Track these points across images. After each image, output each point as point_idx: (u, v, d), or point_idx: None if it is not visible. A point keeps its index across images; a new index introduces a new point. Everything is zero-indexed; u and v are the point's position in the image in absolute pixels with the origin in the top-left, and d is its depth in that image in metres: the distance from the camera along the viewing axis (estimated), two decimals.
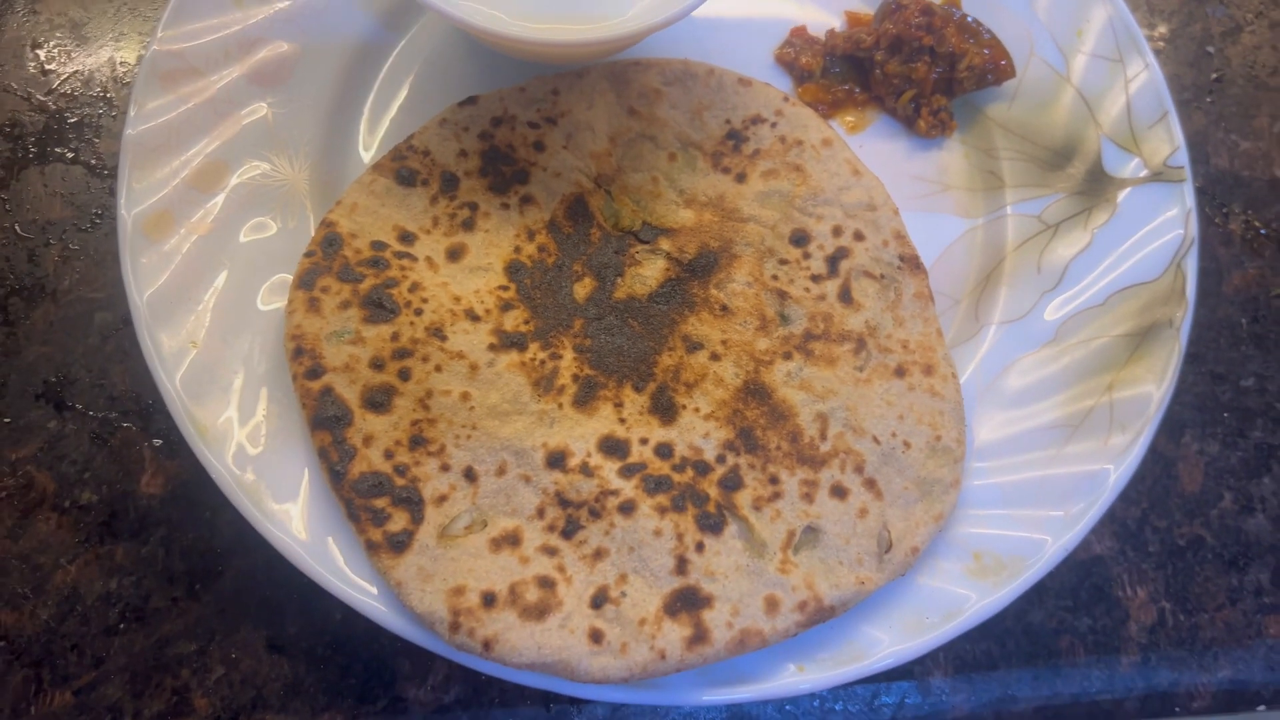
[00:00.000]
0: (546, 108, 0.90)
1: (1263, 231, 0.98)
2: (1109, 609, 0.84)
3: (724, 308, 0.83)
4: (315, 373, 0.78)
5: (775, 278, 0.85)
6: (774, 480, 0.77)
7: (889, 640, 0.74)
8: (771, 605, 0.73)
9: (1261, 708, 0.84)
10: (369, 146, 0.92)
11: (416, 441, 0.76)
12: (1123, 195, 0.90)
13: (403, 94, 0.95)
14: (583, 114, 0.90)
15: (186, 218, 0.83)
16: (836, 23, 1.00)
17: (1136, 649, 0.84)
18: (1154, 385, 0.82)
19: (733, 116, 0.91)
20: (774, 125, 0.90)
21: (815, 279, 0.85)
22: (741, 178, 0.88)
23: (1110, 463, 0.79)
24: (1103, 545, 0.86)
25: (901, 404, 0.80)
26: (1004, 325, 0.88)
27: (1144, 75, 0.93)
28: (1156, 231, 0.88)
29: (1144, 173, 0.90)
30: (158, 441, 0.85)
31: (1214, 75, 1.04)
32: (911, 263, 0.86)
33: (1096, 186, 0.91)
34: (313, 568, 0.73)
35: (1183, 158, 0.89)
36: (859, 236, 0.86)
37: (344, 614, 0.80)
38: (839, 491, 0.77)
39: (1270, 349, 0.94)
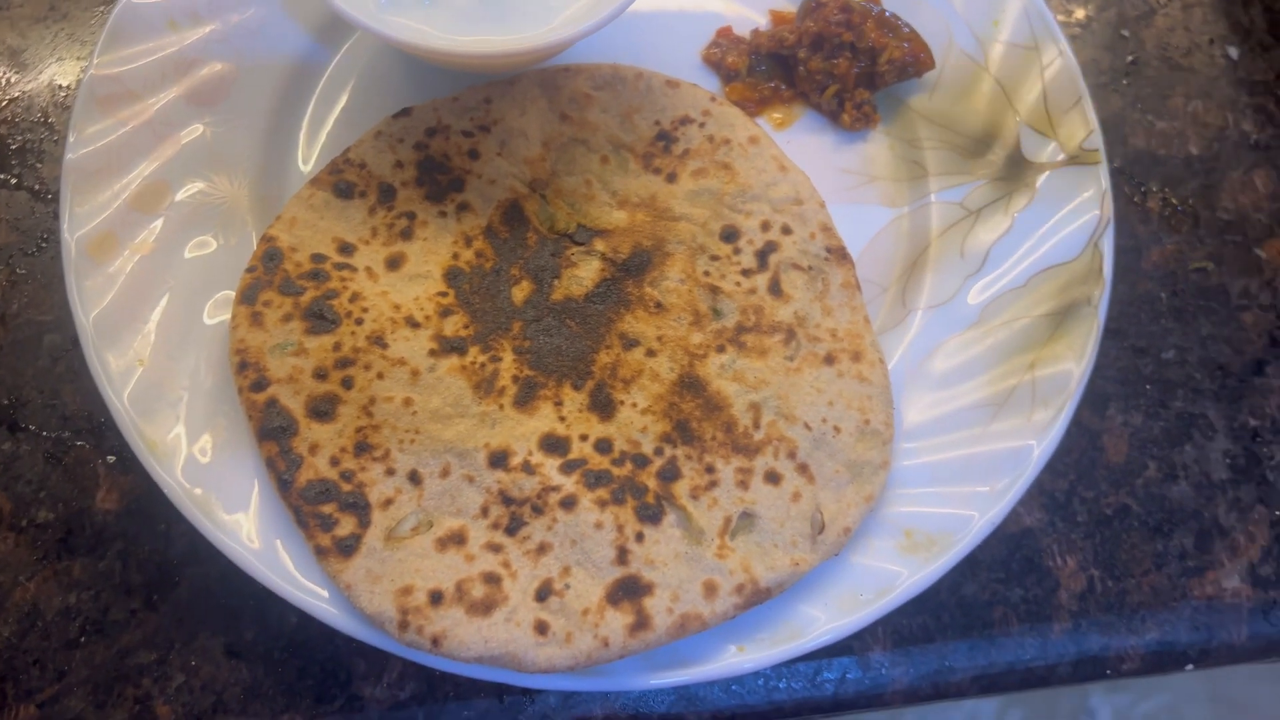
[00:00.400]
0: (480, 116, 0.92)
1: (1179, 208, 1.02)
2: (1040, 579, 0.88)
3: (658, 305, 0.86)
4: (260, 385, 0.80)
5: (707, 274, 0.88)
6: (710, 469, 0.80)
7: (825, 618, 0.77)
8: (710, 590, 0.75)
9: (1189, 667, 0.88)
10: (308, 161, 0.95)
11: (361, 448, 0.79)
12: (1041, 179, 0.93)
13: (339, 108, 0.97)
14: (516, 121, 0.92)
15: (129, 239, 0.85)
16: (762, 21, 1.03)
17: (1068, 616, 0.87)
18: (1074, 362, 0.85)
19: (662, 118, 0.93)
20: (702, 125, 0.93)
21: (746, 273, 0.88)
22: (672, 177, 0.91)
23: (1033, 438, 0.82)
24: (1032, 517, 0.89)
25: (831, 390, 0.83)
26: (930, 310, 0.91)
27: (1058, 62, 0.96)
28: (1074, 213, 0.91)
29: (1061, 156, 0.93)
30: (111, 458, 0.87)
31: (1129, 58, 1.08)
32: (838, 254, 0.89)
33: (1016, 171, 0.94)
34: (265, 575, 0.75)
35: (1097, 140, 0.92)
36: (787, 230, 0.89)
37: (299, 618, 0.83)
38: (773, 477, 0.80)
39: (1189, 321, 0.97)
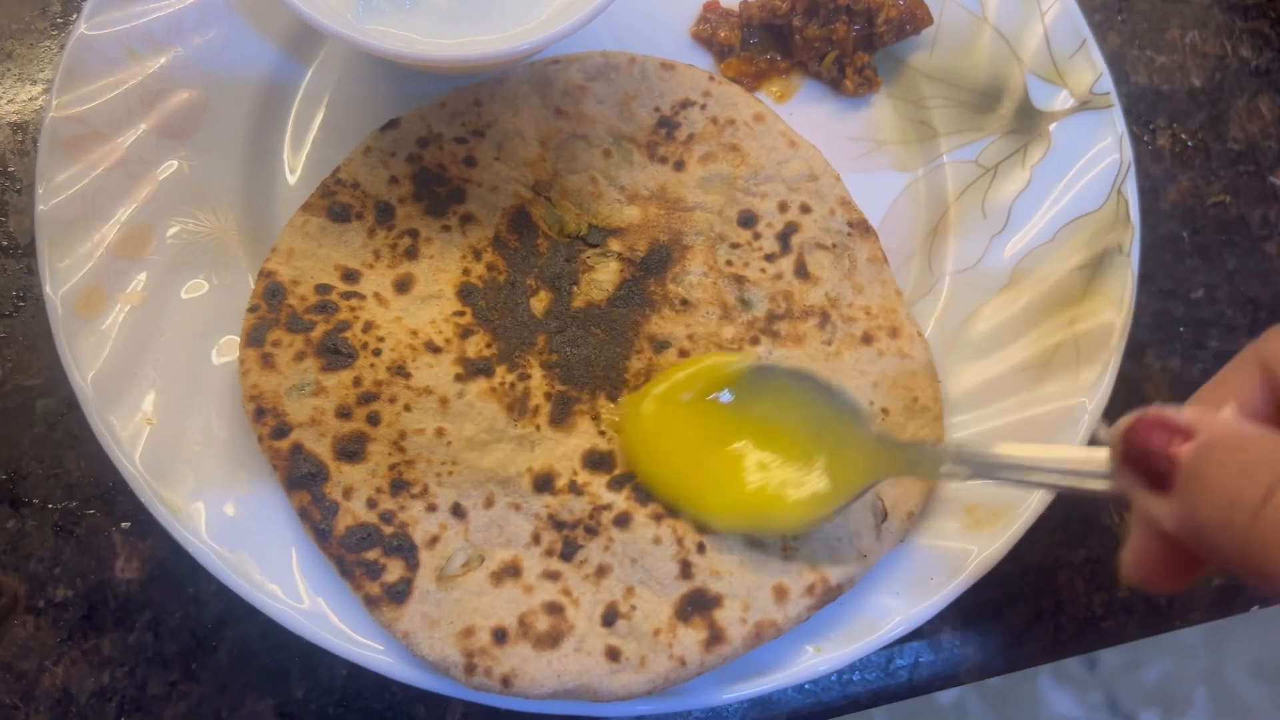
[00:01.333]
0: (472, 120, 0.88)
1: (1189, 143, 1.00)
2: (1100, 537, 0.86)
3: (684, 301, 0.82)
4: (281, 431, 0.75)
5: (730, 263, 0.84)
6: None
7: (899, 607, 0.75)
8: (780, 594, 0.73)
9: (1255, 607, 0.87)
10: (294, 184, 0.89)
11: (398, 486, 0.75)
12: (1054, 128, 0.90)
13: (319, 123, 0.92)
14: (509, 121, 0.88)
15: (118, 290, 0.80)
16: None
17: None
18: (1114, 313, 0.83)
19: (661, 104, 0.89)
20: (704, 107, 0.89)
21: (769, 258, 0.84)
22: (680, 165, 0.87)
23: (1084, 396, 0.80)
24: None
25: (874, 371, 0.81)
26: (959, 275, 0.88)
27: (1057, 5, 0.93)
28: (1093, 160, 0.88)
29: (1071, 103, 0.91)
30: (126, 524, 0.82)
31: None
32: (861, 227, 0.86)
33: (1028, 123, 0.91)
34: (315, 632, 0.72)
35: (1107, 83, 0.90)
36: (805, 209, 0.86)
37: (350, 669, 0.79)
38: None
39: (1214, 258, 0.96)
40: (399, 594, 0.71)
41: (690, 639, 0.71)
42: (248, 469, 0.76)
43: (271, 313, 0.79)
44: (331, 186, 0.84)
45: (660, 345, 0.81)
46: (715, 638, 0.71)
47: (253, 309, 0.79)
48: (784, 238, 0.85)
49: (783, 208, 0.86)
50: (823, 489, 0.71)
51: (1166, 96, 1.01)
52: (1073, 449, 0.61)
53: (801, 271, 0.84)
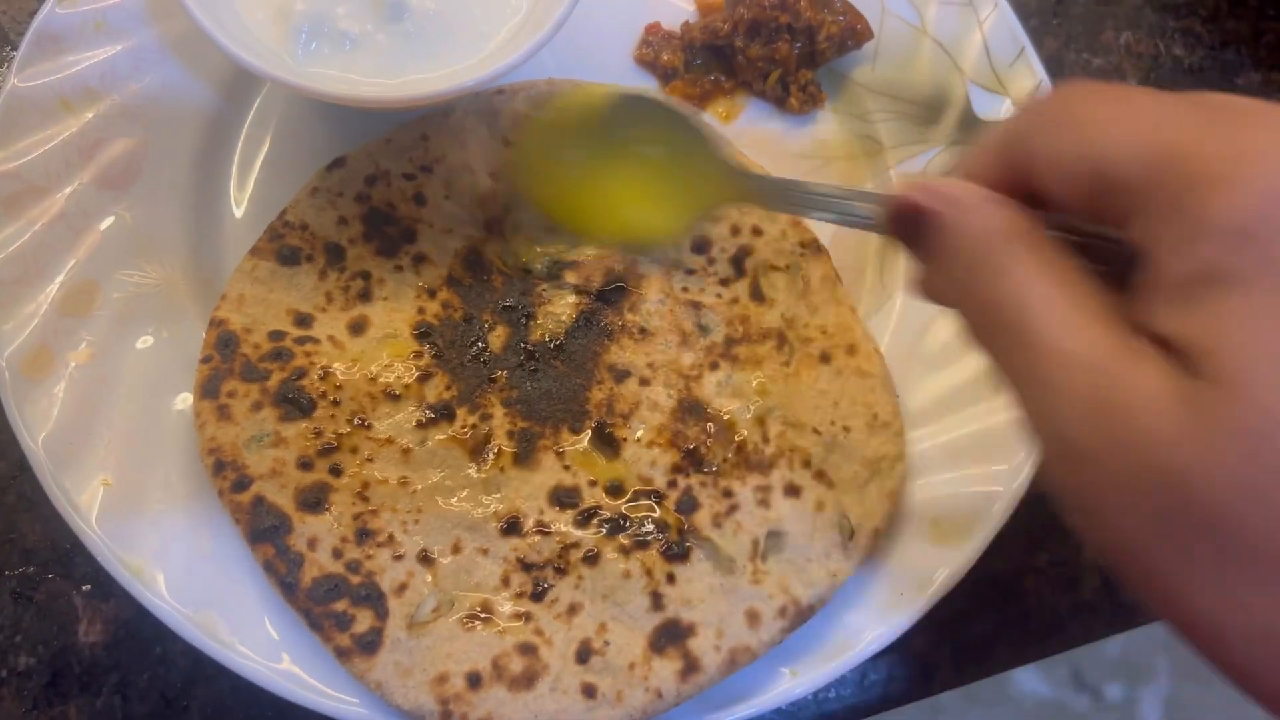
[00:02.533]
0: (419, 156, 0.87)
1: None
2: (1063, 539, 0.87)
3: (642, 330, 0.82)
4: (242, 484, 0.74)
5: (685, 289, 0.84)
6: (728, 493, 0.77)
7: (872, 624, 0.75)
8: (753, 618, 0.73)
9: None
10: (240, 228, 0.88)
11: (363, 535, 0.74)
12: None
13: (261, 162, 0.90)
14: (458, 156, 0.87)
15: (66, 348, 0.78)
16: (687, 9, 0.99)
17: (1096, 572, 0.87)
18: None
19: None
20: None
21: (724, 283, 0.85)
22: None
23: None
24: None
25: (833, 390, 0.81)
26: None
27: (995, 14, 0.94)
28: None
29: (1013, 111, 0.92)
30: (87, 586, 0.80)
31: None
32: (812, 247, 0.86)
33: (972, 133, 0.92)
34: (285, 688, 0.71)
35: (1047, 90, 0.91)
36: (757, 231, 0.86)
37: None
38: (792, 490, 0.77)
39: None
40: (370, 644, 0.70)
41: (666, 670, 0.71)
42: (210, 525, 0.75)
43: (225, 363, 0.78)
44: (279, 229, 0.83)
45: (621, 375, 0.81)
46: (690, 667, 0.71)
47: (205, 359, 0.78)
48: (737, 261, 0.85)
49: (735, 231, 0.86)
50: (680, 206, 0.74)
51: None
52: (866, 194, 0.61)
53: (757, 294, 0.84)
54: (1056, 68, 1.03)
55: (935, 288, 0.53)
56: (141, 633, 0.79)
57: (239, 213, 0.88)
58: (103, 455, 0.76)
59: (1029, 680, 1.92)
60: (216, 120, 0.89)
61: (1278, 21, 1.06)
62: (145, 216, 0.84)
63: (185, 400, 0.79)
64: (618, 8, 0.97)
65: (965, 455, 0.81)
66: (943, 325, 0.86)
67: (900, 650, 0.83)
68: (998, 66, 0.93)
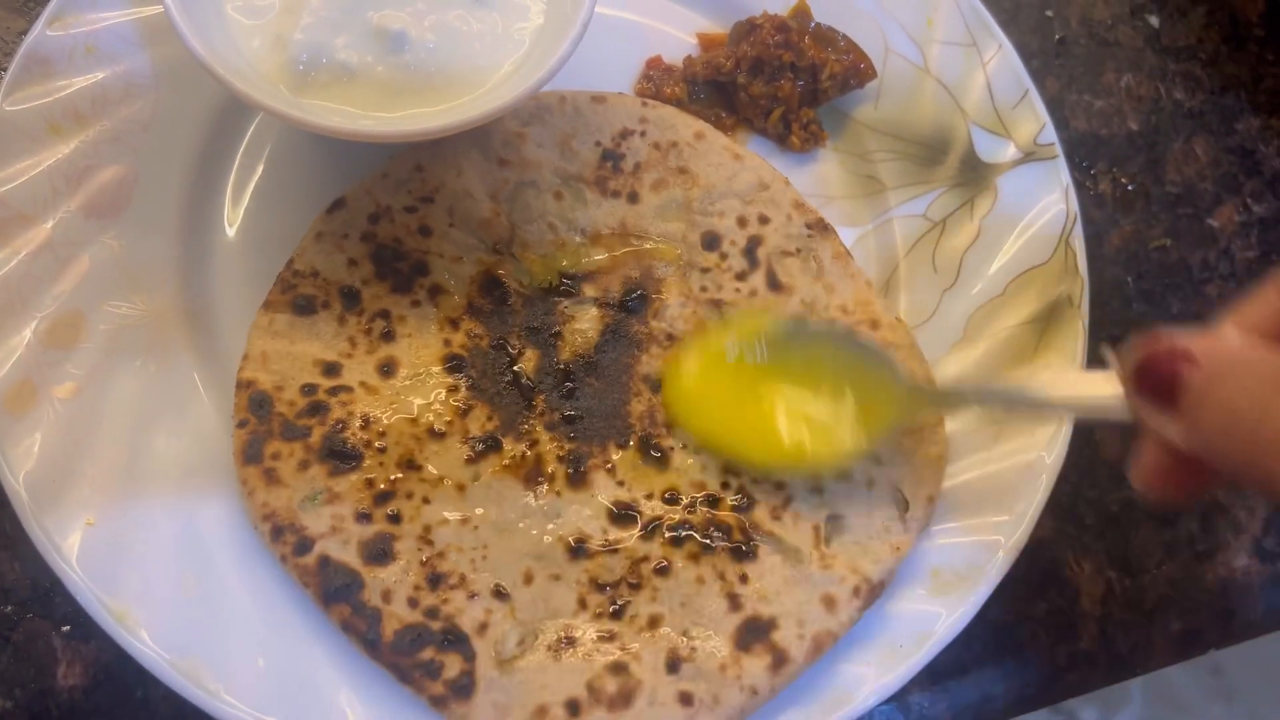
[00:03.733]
0: (417, 187, 0.86)
1: (1130, 187, 1.01)
2: (1060, 589, 0.87)
3: (669, 336, 0.83)
4: (304, 547, 0.73)
5: (704, 288, 0.85)
6: (780, 486, 0.78)
7: (871, 675, 0.74)
8: (830, 603, 0.74)
9: (1212, 650, 0.88)
10: (232, 257, 0.86)
11: (435, 579, 0.73)
12: (1000, 180, 0.91)
13: (252, 193, 0.88)
14: (455, 183, 0.86)
15: (49, 382, 0.76)
16: (689, 42, 0.98)
17: (1093, 621, 0.86)
18: (1066, 367, 0.83)
19: (600, 137, 0.88)
20: (643, 134, 0.89)
21: (740, 276, 0.85)
22: (634, 197, 0.87)
23: (1043, 450, 0.80)
24: (1043, 527, 0.87)
25: None
26: (914, 330, 0.88)
27: (999, 57, 0.94)
28: (1039, 213, 0.89)
29: (1016, 154, 0.91)
30: (66, 628, 0.78)
31: (1057, 37, 1.06)
32: (819, 226, 0.87)
33: (974, 175, 0.92)
34: None
35: (1051, 134, 0.91)
36: (764, 220, 0.87)
37: None
38: (842, 472, 0.79)
39: (1158, 303, 0.97)
40: (464, 688, 0.70)
41: (756, 666, 0.72)
42: (193, 568, 0.73)
43: (262, 424, 0.76)
44: (290, 279, 0.82)
45: (656, 384, 0.81)
46: (779, 659, 0.72)
47: (241, 424, 0.76)
48: (749, 252, 0.85)
49: (742, 222, 0.86)
50: (854, 431, 0.76)
51: (1106, 141, 1.02)
52: (1084, 377, 0.63)
53: (774, 283, 0.85)
54: (1058, 108, 1.03)
55: (1194, 442, 0.54)
56: (123, 676, 0.77)
57: (230, 244, 0.87)
58: (86, 494, 0.74)
59: None
60: (209, 149, 0.87)
61: (1277, 67, 1.07)
62: (134, 246, 0.82)
63: (171, 436, 0.77)
64: (619, 41, 0.96)
65: (968, 505, 0.80)
66: (945, 369, 0.85)
67: (898, 701, 0.82)
68: (1001, 109, 0.93)
